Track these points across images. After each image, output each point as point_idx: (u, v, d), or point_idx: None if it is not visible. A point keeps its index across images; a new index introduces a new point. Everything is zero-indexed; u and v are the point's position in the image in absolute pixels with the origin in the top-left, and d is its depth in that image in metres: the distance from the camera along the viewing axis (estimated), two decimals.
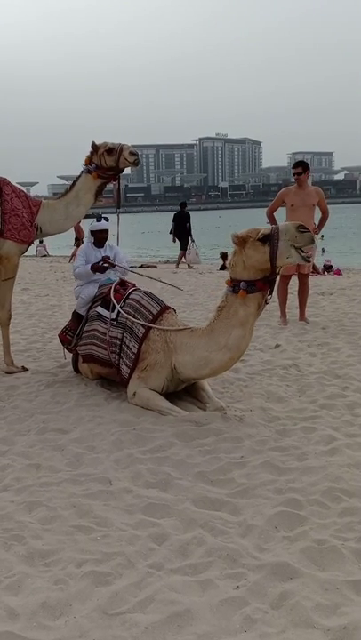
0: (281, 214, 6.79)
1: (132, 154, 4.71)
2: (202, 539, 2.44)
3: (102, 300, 4.56)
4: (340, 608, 2.02)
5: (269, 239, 3.45)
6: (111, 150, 4.73)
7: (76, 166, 5.05)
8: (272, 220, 6.83)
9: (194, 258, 15.70)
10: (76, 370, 4.93)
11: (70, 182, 5.16)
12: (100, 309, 4.53)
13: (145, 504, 2.75)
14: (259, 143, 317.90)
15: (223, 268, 13.55)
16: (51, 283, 11.85)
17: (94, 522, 2.62)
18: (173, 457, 3.24)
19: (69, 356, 5.07)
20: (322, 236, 25.69)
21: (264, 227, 3.62)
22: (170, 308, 4.21)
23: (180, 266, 15.65)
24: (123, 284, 4.65)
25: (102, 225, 5.02)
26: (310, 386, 4.50)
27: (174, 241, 15.74)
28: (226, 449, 3.32)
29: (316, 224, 6.75)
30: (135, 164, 4.77)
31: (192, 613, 2.00)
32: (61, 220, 5.07)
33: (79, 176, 4.98)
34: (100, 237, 5.02)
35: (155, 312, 4.09)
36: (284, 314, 6.94)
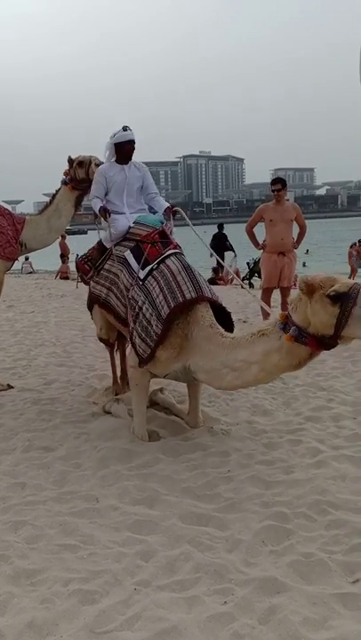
0: (260, 230, 6.90)
1: (97, 165, 4.86)
2: (189, 555, 2.43)
3: (135, 245, 3.86)
4: (328, 622, 2.03)
5: (342, 300, 2.68)
6: (82, 163, 4.91)
7: (60, 184, 5.15)
8: (252, 236, 6.94)
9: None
10: (91, 310, 4.54)
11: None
12: (128, 256, 3.84)
13: (132, 521, 2.74)
14: (241, 160, 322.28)
15: (213, 282, 13.81)
16: (36, 299, 11.80)
17: (80, 540, 2.60)
18: (160, 473, 3.23)
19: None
20: (307, 250, 26.17)
21: (341, 277, 2.93)
22: (206, 298, 3.43)
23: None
24: (164, 235, 3.82)
25: (129, 135, 4.18)
26: (296, 398, 4.53)
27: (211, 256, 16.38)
28: (212, 463, 3.32)
29: (295, 239, 6.90)
30: None
31: (180, 630, 1.99)
32: (45, 234, 5.19)
33: (58, 189, 5.13)
34: (127, 150, 4.22)
35: (188, 297, 3.36)
36: None
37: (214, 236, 16.63)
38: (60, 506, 2.92)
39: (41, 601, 2.18)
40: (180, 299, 3.36)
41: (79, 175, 4.95)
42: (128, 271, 3.80)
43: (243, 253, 16.54)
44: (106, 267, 4.11)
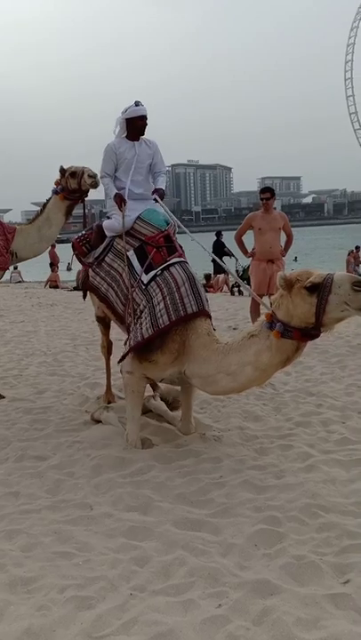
0: (249, 238, 6.99)
1: (89, 176, 4.89)
2: (183, 559, 2.46)
3: (140, 246, 3.82)
4: (320, 622, 2.07)
5: (319, 290, 2.88)
6: (74, 173, 4.94)
7: (48, 193, 5.18)
8: (241, 244, 7.04)
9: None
10: (84, 290, 4.52)
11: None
12: (132, 256, 3.81)
13: (126, 527, 2.76)
14: (229, 169, 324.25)
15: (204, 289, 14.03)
16: (26, 309, 11.78)
17: (76, 547, 2.61)
18: (153, 480, 3.26)
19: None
20: (295, 257, 26.43)
21: (316, 269, 3.07)
22: (206, 313, 3.53)
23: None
24: (169, 239, 3.81)
25: (141, 110, 4.07)
26: (286, 404, 4.59)
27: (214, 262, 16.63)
28: (205, 469, 3.36)
29: (283, 246, 7.02)
30: (93, 185, 4.89)
31: (175, 633, 2.02)
32: (36, 244, 5.20)
33: (49, 198, 5.16)
34: (139, 126, 4.12)
35: (189, 311, 3.44)
36: None
37: (213, 243, 16.93)
38: (54, 514, 2.94)
39: (37, 608, 2.20)
40: (182, 312, 3.44)
41: (71, 185, 4.97)
42: (130, 272, 3.80)
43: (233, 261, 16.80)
44: (107, 260, 4.09)
